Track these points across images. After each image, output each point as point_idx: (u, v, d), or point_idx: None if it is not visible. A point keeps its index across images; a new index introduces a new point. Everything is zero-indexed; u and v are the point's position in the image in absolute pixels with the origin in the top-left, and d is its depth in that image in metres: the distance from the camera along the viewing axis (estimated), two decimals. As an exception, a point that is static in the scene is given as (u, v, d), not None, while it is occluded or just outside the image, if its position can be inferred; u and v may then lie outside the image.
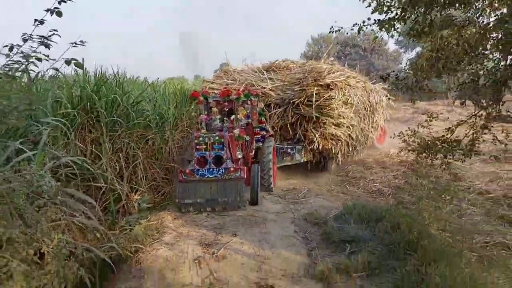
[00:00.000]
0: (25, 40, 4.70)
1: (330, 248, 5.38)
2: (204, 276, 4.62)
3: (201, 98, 9.31)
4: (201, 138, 8.16)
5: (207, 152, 8.13)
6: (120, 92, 8.26)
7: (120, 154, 7.29)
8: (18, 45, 4.75)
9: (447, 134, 5.07)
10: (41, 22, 4.69)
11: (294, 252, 5.34)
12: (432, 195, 4.84)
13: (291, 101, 10.82)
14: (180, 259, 5.08)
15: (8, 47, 4.67)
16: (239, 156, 8.58)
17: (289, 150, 10.97)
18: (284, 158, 10.91)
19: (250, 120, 9.77)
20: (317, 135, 10.64)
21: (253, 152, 9.66)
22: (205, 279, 4.54)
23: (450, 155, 5.00)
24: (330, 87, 10.65)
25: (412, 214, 4.82)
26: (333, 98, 10.45)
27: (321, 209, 7.46)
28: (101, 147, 7.24)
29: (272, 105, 11.09)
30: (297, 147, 11.01)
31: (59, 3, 4.74)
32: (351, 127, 11.20)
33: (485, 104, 4.76)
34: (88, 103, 7.44)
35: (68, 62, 5.12)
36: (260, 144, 9.81)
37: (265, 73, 12.37)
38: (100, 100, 7.55)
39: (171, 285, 4.30)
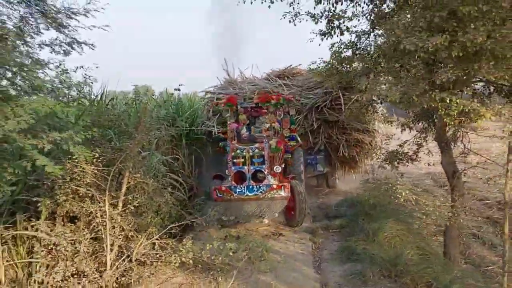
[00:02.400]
0: None
1: (326, 220, 8.75)
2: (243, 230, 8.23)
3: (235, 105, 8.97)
4: (238, 151, 7.76)
5: (246, 167, 7.69)
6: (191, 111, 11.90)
7: (192, 157, 10.91)
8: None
9: (398, 149, 8.27)
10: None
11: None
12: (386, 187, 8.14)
13: (314, 106, 10.70)
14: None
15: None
16: (278, 171, 7.95)
17: (308, 161, 10.82)
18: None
19: (281, 129, 9.34)
20: (343, 142, 10.63)
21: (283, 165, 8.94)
22: (243, 230, 8.14)
23: (401, 162, 8.18)
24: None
25: (372, 199, 8.13)
26: (358, 100, 9.71)
27: (333, 201, 10.74)
28: (178, 151, 10.92)
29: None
30: (318, 157, 11.00)
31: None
32: (373, 133, 11.25)
33: (421, 130, 7.96)
34: (170, 120, 11.22)
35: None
36: (289, 155, 9.32)
37: (277, 80, 11.94)
38: (179, 117, 11.28)
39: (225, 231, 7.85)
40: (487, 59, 4.38)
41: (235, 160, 7.76)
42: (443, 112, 4.75)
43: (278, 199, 7.43)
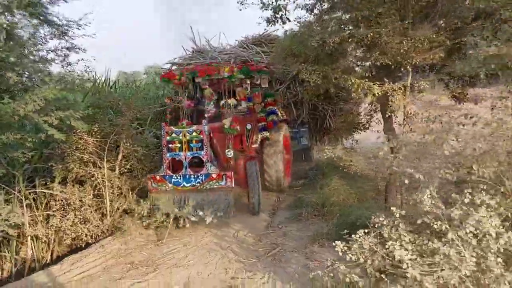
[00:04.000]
0: None
1: (293, 181, 10.49)
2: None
3: (180, 78, 8.30)
4: (174, 134, 7.12)
5: (182, 153, 7.06)
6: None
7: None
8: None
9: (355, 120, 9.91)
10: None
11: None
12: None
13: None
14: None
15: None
16: (230, 155, 7.44)
17: (291, 134, 10.38)
18: None
19: (251, 104, 8.63)
20: (329, 112, 10.28)
21: (258, 144, 8.51)
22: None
23: (356, 130, 9.84)
24: None
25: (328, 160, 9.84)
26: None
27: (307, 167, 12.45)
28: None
29: (273, 82, 9.97)
30: (301, 130, 10.83)
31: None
32: (358, 102, 10.63)
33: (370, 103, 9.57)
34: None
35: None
36: (266, 133, 8.56)
37: (254, 47, 11.00)
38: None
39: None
40: (376, 50, 5.99)
41: (170, 145, 7.19)
42: (351, 89, 6.40)
43: (217, 190, 6.79)
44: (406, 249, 3.35)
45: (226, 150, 7.43)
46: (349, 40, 6.01)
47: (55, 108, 5.74)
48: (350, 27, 6.22)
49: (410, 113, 6.25)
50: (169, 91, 12.83)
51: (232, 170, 7.21)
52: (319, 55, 6.92)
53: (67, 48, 6.40)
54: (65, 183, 8.09)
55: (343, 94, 10.25)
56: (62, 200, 7.76)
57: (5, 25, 4.19)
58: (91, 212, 7.74)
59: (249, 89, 8.53)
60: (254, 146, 8.31)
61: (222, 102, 8.35)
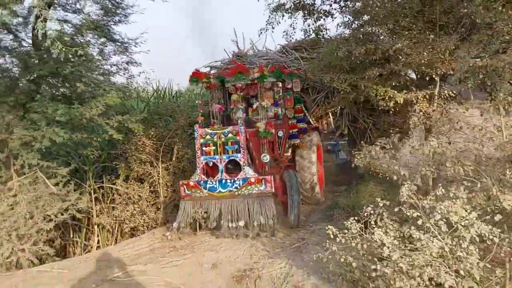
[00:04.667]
0: None
1: (335, 187, 10.92)
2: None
3: (208, 80, 7.99)
4: (208, 136, 6.68)
5: (217, 157, 6.68)
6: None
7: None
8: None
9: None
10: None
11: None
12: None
13: None
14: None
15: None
16: (266, 160, 7.02)
17: (329, 147, 9.95)
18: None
19: (284, 110, 8.29)
20: (370, 125, 9.45)
21: (289, 152, 8.25)
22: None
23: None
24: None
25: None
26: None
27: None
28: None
29: (310, 90, 9.51)
30: (340, 142, 10.27)
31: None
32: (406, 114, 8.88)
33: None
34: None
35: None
36: (297, 141, 8.26)
37: (294, 52, 10.57)
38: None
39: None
40: (402, 60, 6.42)
41: (204, 148, 6.79)
42: (376, 98, 6.86)
43: (257, 196, 6.36)
44: (388, 235, 3.84)
45: (262, 155, 7.01)
46: (375, 51, 6.48)
47: (115, 112, 6.83)
48: (376, 40, 6.73)
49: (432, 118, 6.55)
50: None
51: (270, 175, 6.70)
52: (352, 65, 7.46)
53: (127, 63, 7.62)
54: (128, 181, 9.28)
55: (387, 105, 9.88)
56: (124, 195, 8.91)
57: (79, 51, 5.23)
58: (147, 205, 8.81)
59: (281, 92, 8.19)
60: (286, 154, 8.10)
61: (255, 105, 7.89)
